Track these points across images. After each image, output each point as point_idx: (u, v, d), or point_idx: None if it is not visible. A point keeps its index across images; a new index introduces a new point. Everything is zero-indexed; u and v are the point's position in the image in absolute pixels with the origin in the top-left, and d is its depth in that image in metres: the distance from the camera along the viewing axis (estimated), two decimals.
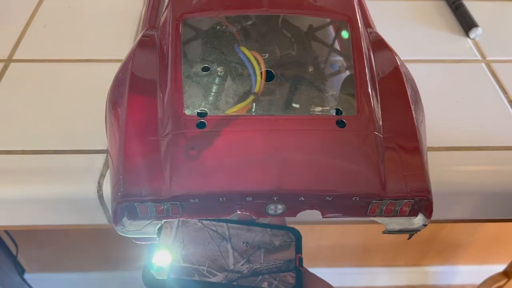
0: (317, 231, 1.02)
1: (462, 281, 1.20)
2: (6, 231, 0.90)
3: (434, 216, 0.40)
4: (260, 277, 0.34)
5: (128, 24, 0.53)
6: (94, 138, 0.41)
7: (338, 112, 0.33)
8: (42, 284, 1.11)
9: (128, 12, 0.54)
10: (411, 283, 1.20)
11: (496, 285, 0.94)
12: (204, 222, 0.36)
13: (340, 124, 0.32)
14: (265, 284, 0.33)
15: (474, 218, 0.44)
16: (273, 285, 0.33)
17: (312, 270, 0.36)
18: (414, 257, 1.16)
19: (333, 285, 0.34)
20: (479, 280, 0.99)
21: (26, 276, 1.08)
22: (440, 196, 0.40)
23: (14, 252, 0.94)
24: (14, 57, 0.49)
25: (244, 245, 0.35)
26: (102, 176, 0.38)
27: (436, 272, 1.19)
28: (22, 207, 0.40)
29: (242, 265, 0.34)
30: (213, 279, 0.33)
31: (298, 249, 0.36)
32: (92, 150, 0.40)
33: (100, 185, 0.38)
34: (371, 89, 0.34)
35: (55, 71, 0.48)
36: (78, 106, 0.44)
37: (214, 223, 0.36)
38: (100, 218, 0.40)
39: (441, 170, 0.40)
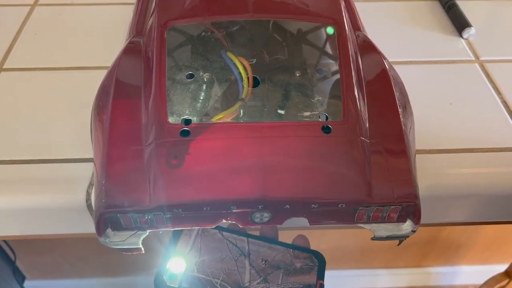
0: (316, 234, 1.01)
1: (464, 281, 1.20)
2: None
3: (429, 220, 0.40)
4: None
5: (119, 32, 0.52)
6: (83, 147, 0.40)
7: (324, 117, 0.33)
8: None
9: (119, 19, 0.54)
10: (412, 284, 1.19)
11: (498, 285, 0.93)
12: (224, 233, 0.35)
13: (326, 130, 0.32)
14: None
15: (469, 221, 0.44)
16: None
17: None
18: (415, 258, 1.15)
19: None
20: (481, 281, 0.98)
21: (27, 283, 1.08)
22: (433, 199, 0.39)
23: (13, 259, 0.94)
24: (5, 66, 0.49)
25: (263, 262, 0.34)
26: (91, 185, 0.38)
27: (437, 273, 1.19)
28: (11, 217, 0.39)
29: (258, 283, 0.33)
30: None
31: (320, 275, 0.34)
32: (80, 159, 0.40)
33: (88, 194, 0.37)
34: (357, 93, 0.34)
35: (45, 80, 0.47)
36: (68, 115, 0.44)
37: (235, 236, 0.35)
38: (89, 227, 0.40)
39: (434, 173, 0.40)
